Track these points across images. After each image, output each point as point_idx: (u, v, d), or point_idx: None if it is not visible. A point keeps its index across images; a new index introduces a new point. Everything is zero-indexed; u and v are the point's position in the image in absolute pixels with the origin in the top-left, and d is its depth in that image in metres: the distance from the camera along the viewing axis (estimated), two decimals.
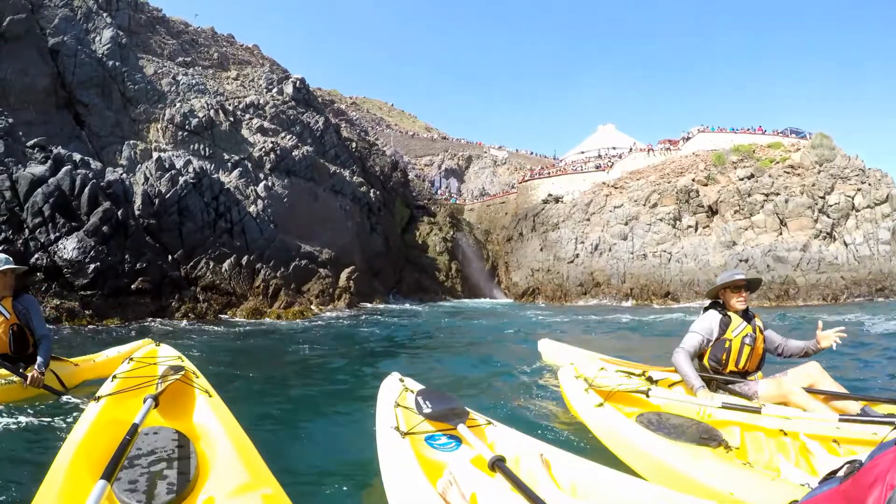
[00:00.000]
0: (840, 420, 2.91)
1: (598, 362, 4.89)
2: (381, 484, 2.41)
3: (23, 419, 3.76)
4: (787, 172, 34.36)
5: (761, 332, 3.89)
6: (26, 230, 12.62)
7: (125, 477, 1.88)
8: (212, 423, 2.49)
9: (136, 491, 1.81)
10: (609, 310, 25.98)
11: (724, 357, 3.78)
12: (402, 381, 3.52)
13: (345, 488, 3.20)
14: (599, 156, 49.99)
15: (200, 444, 2.29)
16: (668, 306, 29.29)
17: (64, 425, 3.68)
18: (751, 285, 3.90)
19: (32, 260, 12.03)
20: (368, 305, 24.81)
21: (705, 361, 3.90)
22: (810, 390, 3.46)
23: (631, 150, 46.38)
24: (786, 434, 3.11)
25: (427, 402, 2.93)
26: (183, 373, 3.03)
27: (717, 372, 3.81)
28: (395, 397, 3.14)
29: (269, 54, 39.39)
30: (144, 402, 2.46)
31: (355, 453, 3.60)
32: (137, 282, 13.44)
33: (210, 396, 2.80)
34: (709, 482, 2.47)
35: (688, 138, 43.87)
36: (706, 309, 4.02)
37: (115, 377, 3.00)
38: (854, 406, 3.37)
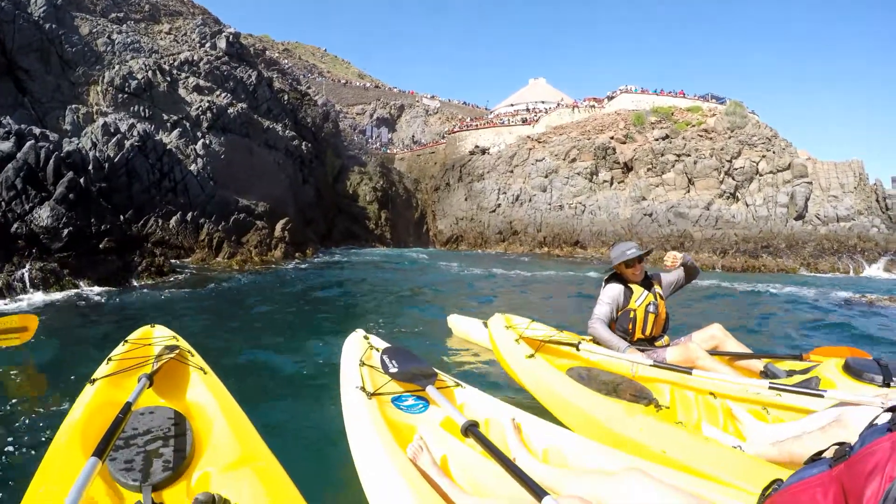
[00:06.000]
0: (770, 387, 2.84)
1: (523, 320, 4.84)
2: (347, 445, 2.35)
3: (20, 405, 4.00)
4: (700, 136, 37.46)
5: (661, 298, 4.03)
6: (2, 203, 14.77)
7: (121, 457, 1.92)
8: (207, 400, 2.52)
9: (131, 469, 1.86)
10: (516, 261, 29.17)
11: (631, 326, 3.91)
12: (366, 338, 3.43)
13: (309, 450, 3.22)
14: (528, 109, 51.67)
15: (196, 421, 2.32)
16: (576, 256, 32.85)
17: (61, 409, 3.67)
18: (642, 258, 4.01)
19: (13, 229, 14.31)
20: (301, 258, 27.72)
21: (613, 331, 4.03)
22: (714, 352, 3.60)
23: (558, 105, 48.22)
24: (715, 396, 3.11)
25: (393, 362, 2.86)
26: (178, 351, 3.04)
27: (626, 341, 3.91)
28: (360, 356, 3.06)
29: (200, 2, 39.60)
30: (139, 381, 2.47)
31: (319, 413, 3.54)
32: (104, 242, 15.95)
33: (205, 374, 2.83)
34: (641, 439, 2.49)
35: (612, 97, 46.09)
36: (608, 280, 4.11)
37: (109, 360, 2.98)
38: (757, 364, 3.54)
